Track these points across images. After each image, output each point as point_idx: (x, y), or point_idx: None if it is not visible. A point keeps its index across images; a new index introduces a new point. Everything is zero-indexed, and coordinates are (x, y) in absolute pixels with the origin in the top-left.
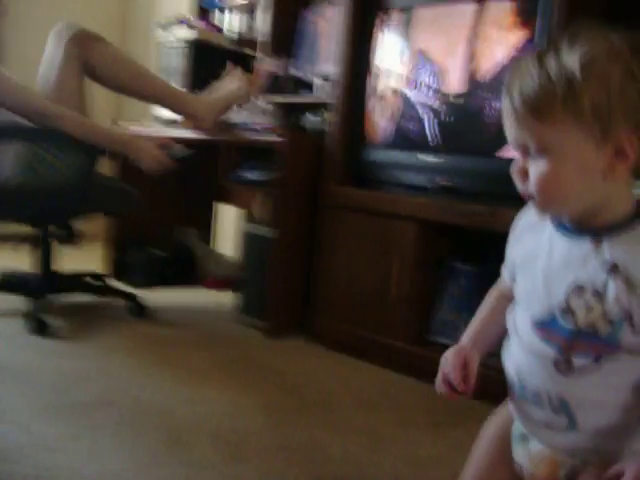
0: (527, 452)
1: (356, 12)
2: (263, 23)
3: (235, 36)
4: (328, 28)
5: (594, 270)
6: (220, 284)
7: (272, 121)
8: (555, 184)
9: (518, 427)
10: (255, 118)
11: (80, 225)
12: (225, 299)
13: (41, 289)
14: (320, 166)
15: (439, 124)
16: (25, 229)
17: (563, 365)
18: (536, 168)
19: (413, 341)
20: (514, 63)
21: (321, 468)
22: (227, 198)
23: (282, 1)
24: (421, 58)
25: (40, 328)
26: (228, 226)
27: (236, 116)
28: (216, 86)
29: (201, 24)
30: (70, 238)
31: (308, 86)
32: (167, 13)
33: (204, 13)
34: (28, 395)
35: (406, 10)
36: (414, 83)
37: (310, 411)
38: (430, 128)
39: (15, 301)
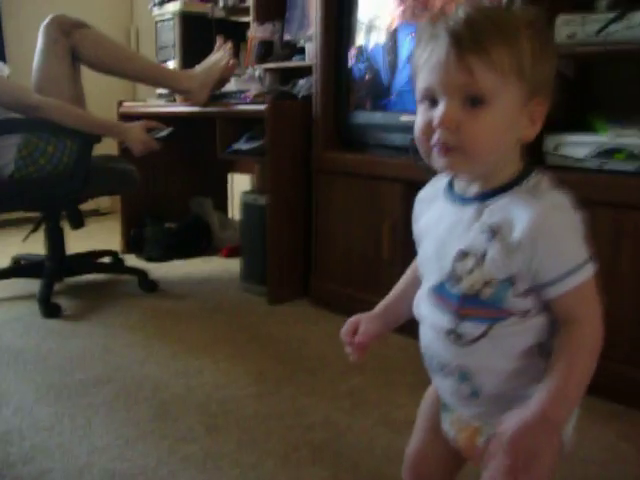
0: (448, 419)
1: None
2: None
3: (227, 4)
4: None
5: (475, 235)
6: (236, 251)
7: (265, 89)
8: (492, 137)
9: None
10: (249, 87)
11: (92, 204)
12: (238, 267)
13: (53, 272)
14: (310, 131)
15: None
16: (35, 214)
17: (456, 336)
18: (470, 118)
19: None
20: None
21: (300, 435)
22: (238, 168)
23: None
24: (401, 19)
25: (52, 311)
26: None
27: (230, 86)
28: (207, 60)
29: None
30: (79, 220)
31: (302, 51)
32: None
33: None
34: (34, 377)
35: None
36: (391, 43)
37: (299, 378)
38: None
39: (28, 285)
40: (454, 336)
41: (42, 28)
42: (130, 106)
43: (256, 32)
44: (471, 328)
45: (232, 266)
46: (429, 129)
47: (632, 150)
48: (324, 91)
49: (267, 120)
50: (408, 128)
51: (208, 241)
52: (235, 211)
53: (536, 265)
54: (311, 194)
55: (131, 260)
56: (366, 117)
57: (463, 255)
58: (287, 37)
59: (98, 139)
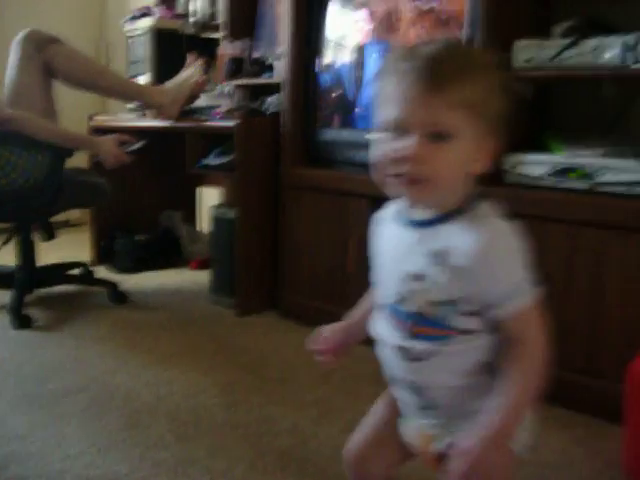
0: (407, 424)
1: None
2: (224, 7)
3: (198, 22)
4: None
5: (422, 258)
6: (205, 263)
7: (235, 105)
8: (452, 170)
9: None
10: (219, 103)
11: (62, 216)
12: (207, 280)
13: (23, 283)
14: (278, 148)
15: None
16: (6, 226)
17: (407, 353)
18: (433, 152)
19: None
20: (416, 45)
21: (268, 443)
22: (207, 181)
23: None
24: (367, 37)
25: (23, 322)
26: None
27: (201, 102)
28: (178, 76)
29: (162, 13)
30: (49, 232)
31: (271, 68)
32: (137, 6)
33: (168, 2)
34: (7, 388)
35: None
36: (358, 61)
37: (267, 388)
38: None
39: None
40: (405, 353)
41: (16, 43)
42: (101, 120)
43: (226, 49)
44: (420, 346)
45: (201, 278)
46: (393, 159)
47: (585, 169)
48: (292, 108)
49: (237, 136)
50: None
51: (177, 254)
52: (204, 224)
53: (480, 289)
54: (280, 209)
55: (101, 272)
56: (333, 134)
57: (411, 277)
58: (257, 54)
59: (70, 153)
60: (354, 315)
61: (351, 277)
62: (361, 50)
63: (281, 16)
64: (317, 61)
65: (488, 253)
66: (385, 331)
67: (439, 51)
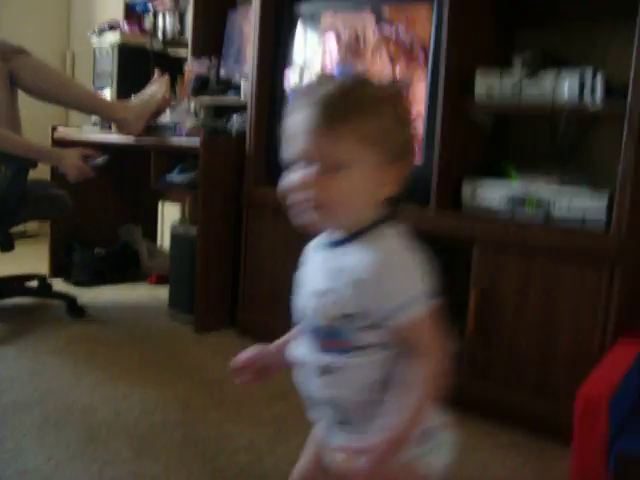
0: (330, 447)
1: (267, 13)
2: (191, 25)
3: (165, 38)
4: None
5: (328, 276)
6: (164, 279)
7: (200, 123)
8: (348, 197)
9: None
10: (184, 120)
11: (20, 227)
12: (165, 295)
13: None
14: (242, 167)
15: None
16: None
17: (318, 367)
18: (329, 181)
19: None
20: (309, 84)
21: (225, 460)
22: (169, 197)
23: (208, 3)
24: (333, 61)
25: None
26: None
27: (165, 118)
28: (144, 92)
29: (130, 28)
30: (9, 243)
31: (237, 87)
32: (103, 19)
33: (135, 17)
34: None
35: (314, 15)
36: None
37: (225, 405)
38: None
39: None
40: (318, 368)
41: None
42: (64, 132)
43: (193, 66)
44: (329, 359)
45: (160, 294)
46: (295, 187)
47: (540, 197)
48: (257, 128)
49: (201, 154)
50: None
51: (136, 268)
52: (165, 239)
53: (375, 303)
54: (241, 228)
55: (59, 285)
56: None
57: (317, 293)
58: (223, 73)
59: (34, 164)
60: (279, 341)
61: None
62: (327, 73)
63: (248, 35)
64: (282, 82)
65: (381, 269)
66: (301, 350)
67: (334, 91)
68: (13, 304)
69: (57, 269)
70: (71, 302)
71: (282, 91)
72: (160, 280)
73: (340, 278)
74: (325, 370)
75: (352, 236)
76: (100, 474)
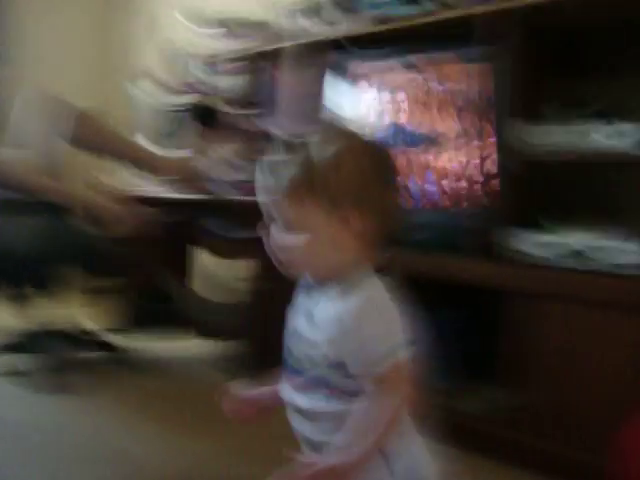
0: None
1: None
2: (245, 82)
3: (227, 97)
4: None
5: (301, 316)
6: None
7: (246, 177)
8: (302, 251)
9: None
10: (229, 173)
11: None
12: (211, 346)
13: (26, 346)
14: None
15: None
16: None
17: (301, 411)
18: (282, 239)
19: None
20: (271, 150)
21: None
22: (201, 244)
23: (257, 62)
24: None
25: (27, 385)
26: (204, 270)
27: (211, 170)
28: (181, 152)
29: (188, 88)
30: (51, 294)
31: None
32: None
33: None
34: (23, 450)
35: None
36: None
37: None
38: None
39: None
40: (301, 411)
41: (30, 102)
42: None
43: (242, 123)
44: (302, 402)
45: (206, 345)
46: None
47: (574, 246)
48: None
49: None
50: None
51: (175, 316)
52: (198, 286)
53: (345, 355)
54: None
55: (122, 338)
56: None
57: (294, 333)
58: (279, 131)
59: (69, 217)
60: (275, 381)
61: None
62: (386, 130)
63: (288, 91)
64: None
65: (350, 323)
66: (287, 393)
67: (288, 170)
68: (79, 357)
69: (119, 324)
70: (115, 351)
71: None
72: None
73: (309, 322)
74: (299, 411)
75: (325, 282)
76: None
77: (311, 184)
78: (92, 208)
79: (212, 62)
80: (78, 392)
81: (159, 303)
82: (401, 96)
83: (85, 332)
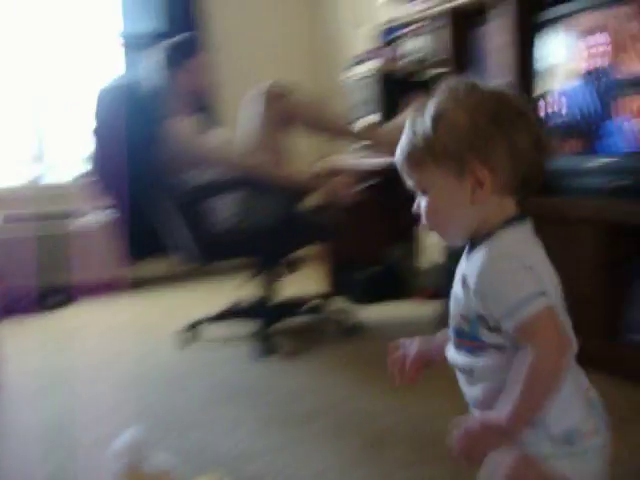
0: None
1: (519, 21)
2: (440, 44)
3: (417, 61)
4: (499, 42)
5: (459, 280)
6: (433, 295)
7: None
8: (433, 213)
9: None
10: None
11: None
12: (425, 308)
13: (264, 316)
14: None
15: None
16: (246, 262)
17: (457, 367)
18: (423, 203)
19: (602, 341)
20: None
21: None
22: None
23: (457, 20)
24: (588, 62)
25: (262, 351)
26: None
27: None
28: (397, 119)
29: (381, 56)
30: (288, 267)
31: None
32: (354, 51)
33: (385, 45)
34: (251, 411)
35: (566, 16)
36: (594, 87)
37: None
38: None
39: (242, 328)
40: (461, 370)
41: (254, 95)
42: (329, 161)
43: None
44: (460, 359)
45: (429, 311)
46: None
47: None
48: None
49: None
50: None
51: (405, 286)
52: (428, 256)
53: (487, 307)
54: None
55: (336, 304)
56: (563, 161)
57: (454, 296)
58: None
59: (302, 196)
60: (440, 337)
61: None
62: (595, 76)
63: (495, 49)
64: (537, 89)
65: (487, 276)
66: (449, 351)
67: (409, 141)
68: (296, 323)
69: (334, 289)
70: (346, 320)
71: (536, 99)
72: (430, 296)
73: (463, 284)
74: (460, 370)
75: (475, 243)
76: (386, 478)
77: (428, 146)
78: (317, 185)
79: (403, 25)
80: (290, 356)
81: (371, 269)
82: (605, 38)
83: (296, 299)
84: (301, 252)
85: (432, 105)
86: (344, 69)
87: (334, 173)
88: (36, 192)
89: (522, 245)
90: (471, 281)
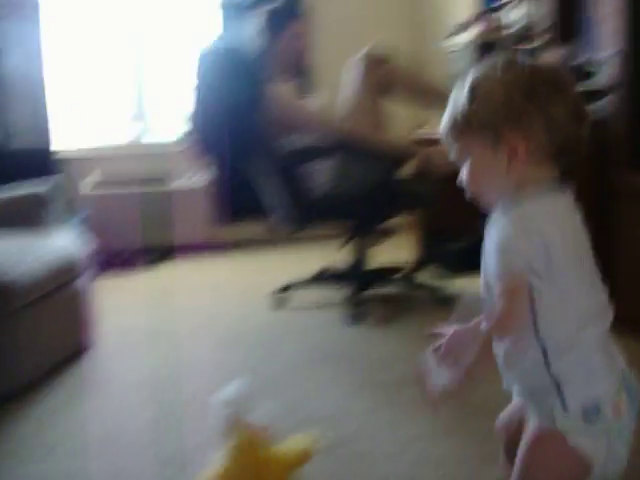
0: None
1: None
2: (544, 13)
3: (518, 31)
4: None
5: (485, 248)
6: None
7: None
8: (472, 180)
9: None
10: None
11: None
12: None
13: (355, 282)
14: (603, 155)
15: None
16: (337, 231)
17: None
18: (463, 170)
19: None
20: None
21: None
22: None
23: None
24: None
25: (354, 317)
26: None
27: None
28: None
29: (483, 25)
30: (380, 235)
31: (585, 74)
32: (456, 18)
33: (486, 14)
34: (343, 375)
35: None
36: None
37: None
38: None
39: (333, 294)
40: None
41: (354, 61)
42: (424, 132)
43: (547, 57)
44: None
45: None
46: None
47: None
48: (627, 110)
49: None
50: None
51: None
52: None
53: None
54: (611, 218)
55: (425, 274)
56: None
57: (484, 266)
58: (579, 60)
59: (401, 163)
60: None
61: None
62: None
63: (604, 17)
64: None
65: (501, 238)
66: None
67: (449, 112)
68: (388, 291)
69: (423, 260)
70: (435, 290)
71: None
72: None
73: (486, 251)
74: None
75: (506, 210)
76: (475, 446)
77: (466, 118)
78: (414, 153)
79: None
80: (381, 323)
81: (465, 239)
82: None
83: (389, 267)
84: (394, 220)
85: (471, 78)
86: (445, 36)
87: (430, 142)
88: (137, 151)
89: (543, 216)
90: (491, 248)
